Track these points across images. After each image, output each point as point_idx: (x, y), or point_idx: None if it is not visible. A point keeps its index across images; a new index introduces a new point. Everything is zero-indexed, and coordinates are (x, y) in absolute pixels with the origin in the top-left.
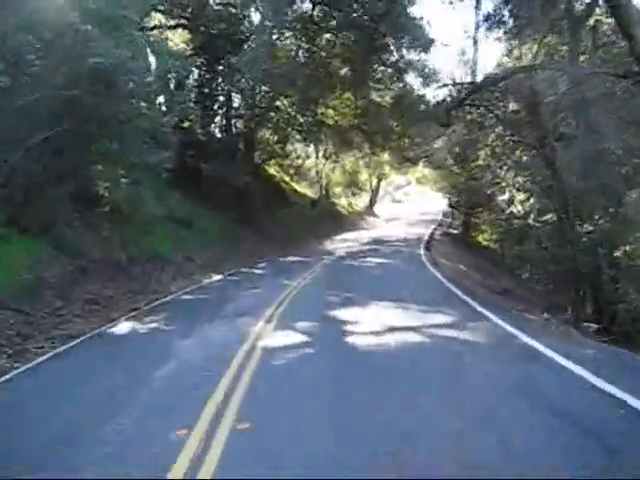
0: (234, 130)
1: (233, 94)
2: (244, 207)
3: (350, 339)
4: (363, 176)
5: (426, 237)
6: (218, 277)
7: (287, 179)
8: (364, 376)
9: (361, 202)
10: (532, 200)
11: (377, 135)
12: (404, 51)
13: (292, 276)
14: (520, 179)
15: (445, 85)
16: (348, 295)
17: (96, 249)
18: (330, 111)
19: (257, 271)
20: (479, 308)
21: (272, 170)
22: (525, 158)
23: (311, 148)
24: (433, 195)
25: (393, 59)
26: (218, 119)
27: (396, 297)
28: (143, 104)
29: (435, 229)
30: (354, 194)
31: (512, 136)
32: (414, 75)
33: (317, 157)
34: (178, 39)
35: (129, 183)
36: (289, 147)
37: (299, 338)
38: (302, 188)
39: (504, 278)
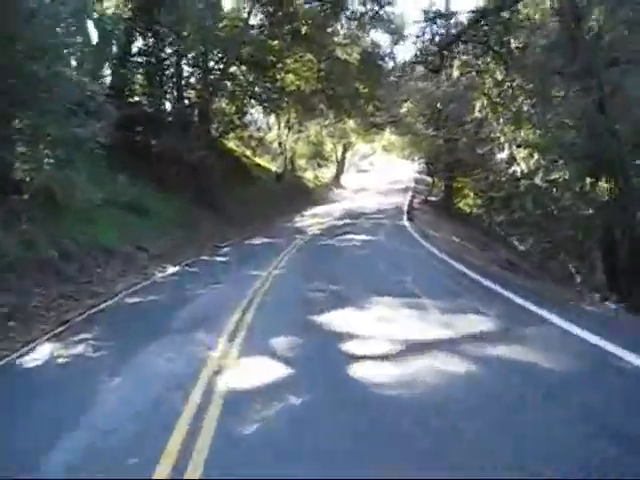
0: (186, 102)
1: (183, 62)
2: (202, 186)
3: (354, 372)
4: (328, 146)
5: (405, 206)
6: (174, 269)
7: (248, 153)
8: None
9: (327, 174)
10: (536, 157)
11: (343, 99)
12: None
13: (261, 263)
14: (523, 133)
15: (433, 18)
16: (335, 288)
17: (15, 247)
18: (290, 76)
19: (220, 259)
20: (517, 299)
21: (231, 144)
22: (527, 108)
23: (272, 118)
24: (400, 163)
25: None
26: (168, 90)
27: (398, 288)
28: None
29: (412, 197)
30: (320, 166)
31: (512, 81)
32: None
33: (279, 128)
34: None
35: (55, 164)
36: (248, 118)
37: (276, 371)
38: (265, 162)
39: (500, 248)
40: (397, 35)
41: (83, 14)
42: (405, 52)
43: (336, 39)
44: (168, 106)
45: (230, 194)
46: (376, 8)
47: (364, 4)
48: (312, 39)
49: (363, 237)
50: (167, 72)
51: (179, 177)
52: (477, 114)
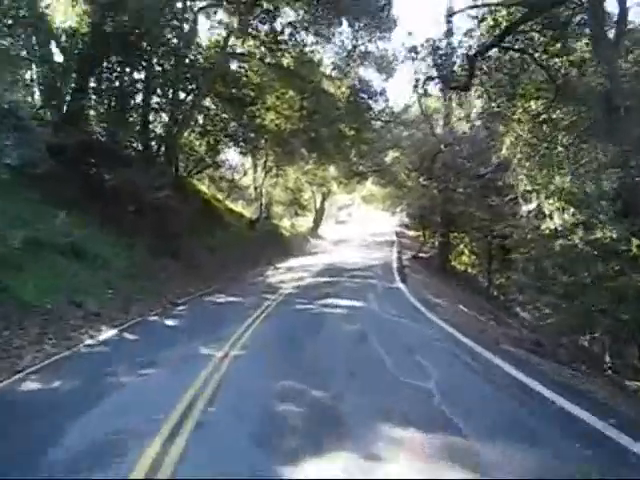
0: (152, 134)
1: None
2: (164, 230)
3: None
4: (307, 194)
5: (393, 263)
6: (110, 333)
7: (220, 196)
8: None
9: (305, 223)
10: (572, 210)
11: (326, 142)
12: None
13: (218, 335)
14: (558, 179)
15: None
16: (318, 396)
17: None
18: (270, 114)
19: (170, 322)
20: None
21: (202, 186)
22: (561, 149)
23: (249, 161)
24: (380, 215)
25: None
26: (133, 120)
27: (421, 407)
28: None
29: (399, 252)
30: (297, 214)
31: (558, 109)
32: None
33: (255, 171)
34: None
35: None
36: (222, 158)
37: None
38: (238, 207)
39: (511, 319)
40: (388, 73)
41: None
42: (397, 91)
43: (322, 69)
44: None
45: (197, 241)
46: (367, 43)
47: (355, 38)
48: (296, 73)
49: (350, 303)
50: (132, 101)
51: (138, 219)
52: (501, 154)
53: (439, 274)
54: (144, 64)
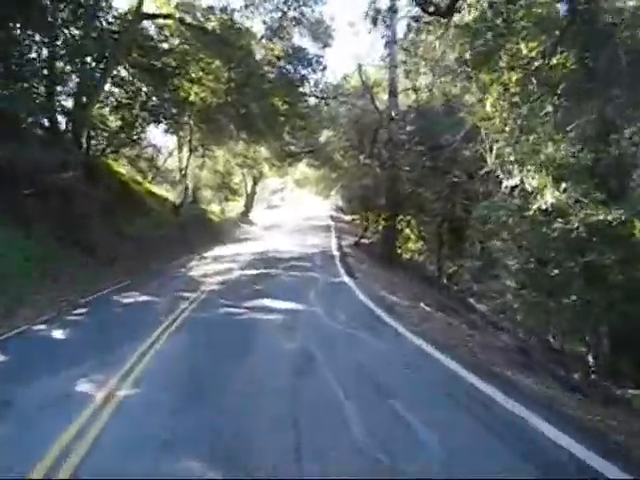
0: (56, 105)
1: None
2: (72, 217)
3: None
4: (237, 178)
5: (333, 251)
6: None
7: (140, 179)
8: None
9: (235, 208)
10: (563, 186)
11: (256, 119)
12: None
13: (109, 356)
14: (553, 147)
15: None
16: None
17: None
18: (194, 88)
19: (56, 334)
20: None
21: (119, 167)
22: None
23: (174, 141)
24: (313, 199)
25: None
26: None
27: None
28: None
29: (338, 238)
30: (227, 199)
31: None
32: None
33: (180, 151)
34: None
35: None
36: (143, 135)
37: None
38: (162, 191)
39: (470, 313)
40: (325, 42)
41: None
42: (334, 64)
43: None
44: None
45: (113, 229)
46: (302, 7)
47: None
48: (223, 39)
49: (288, 305)
50: (33, 65)
51: (39, 204)
52: (471, 119)
53: (385, 263)
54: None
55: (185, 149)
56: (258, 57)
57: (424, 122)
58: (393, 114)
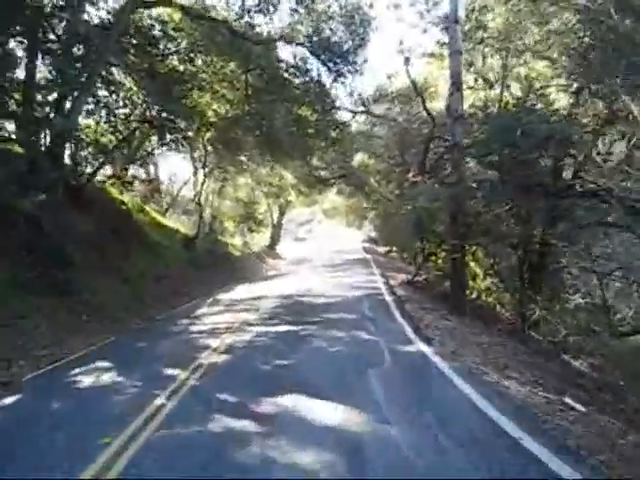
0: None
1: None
2: (45, 253)
3: None
4: (262, 207)
5: (385, 294)
6: None
7: (147, 207)
8: None
9: (260, 241)
10: None
11: (281, 132)
12: None
13: None
14: None
15: None
16: None
17: None
18: (206, 96)
19: None
20: None
21: (120, 194)
22: None
23: (187, 160)
24: (342, 231)
25: None
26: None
27: None
28: None
29: (383, 276)
30: (251, 230)
31: None
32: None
33: (195, 174)
34: None
35: None
36: (143, 154)
37: None
38: (175, 223)
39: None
40: (362, 35)
41: None
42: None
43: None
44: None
45: (102, 268)
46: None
47: None
48: (237, 32)
49: (338, 417)
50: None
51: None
52: None
53: (454, 309)
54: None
55: (200, 173)
56: (281, 56)
57: (502, 122)
58: (459, 110)
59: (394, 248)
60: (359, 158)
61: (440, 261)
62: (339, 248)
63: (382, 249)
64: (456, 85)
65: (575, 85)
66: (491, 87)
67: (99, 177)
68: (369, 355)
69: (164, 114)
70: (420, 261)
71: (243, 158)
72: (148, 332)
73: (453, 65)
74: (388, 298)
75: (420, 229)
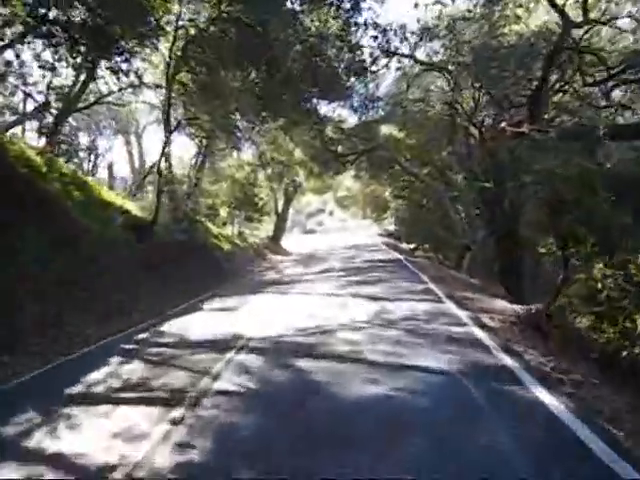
0: None
1: None
2: None
3: None
4: (263, 191)
5: (485, 338)
6: None
7: (90, 180)
8: None
9: (262, 232)
10: None
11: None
12: None
13: None
14: None
15: None
16: None
17: None
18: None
19: None
20: None
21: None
22: None
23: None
24: (356, 224)
25: None
26: None
27: None
28: None
29: (453, 298)
30: (250, 219)
31: None
32: None
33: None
34: None
35: None
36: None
37: None
38: (123, 200)
39: None
40: None
41: None
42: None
43: None
44: None
45: None
46: None
47: None
48: None
49: None
50: None
51: None
52: None
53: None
54: None
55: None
56: None
57: None
58: None
59: (426, 246)
60: (386, 131)
61: (598, 282)
62: (355, 243)
63: (405, 246)
64: None
65: None
66: None
67: None
68: None
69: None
70: (561, 281)
71: (234, 116)
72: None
73: None
74: (504, 363)
75: (557, 216)
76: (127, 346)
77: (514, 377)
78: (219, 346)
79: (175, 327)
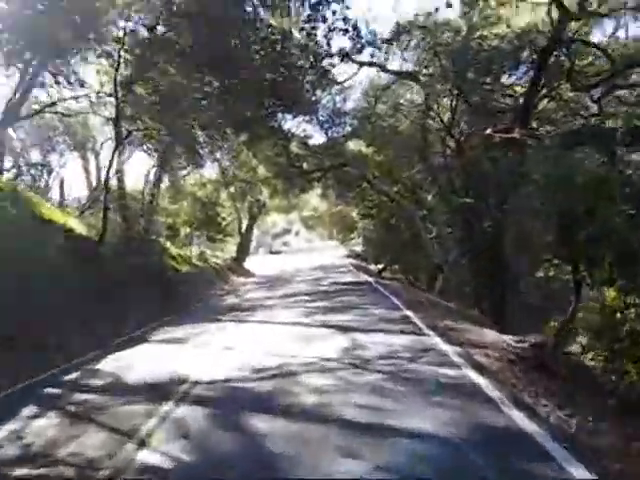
0: None
1: None
2: None
3: None
4: (226, 210)
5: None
6: None
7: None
8: None
9: (225, 253)
10: None
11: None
12: None
13: None
14: None
15: None
16: None
17: None
18: None
19: None
20: None
21: None
22: None
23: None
24: (322, 245)
25: None
26: None
27: None
28: None
29: (437, 329)
30: (212, 240)
31: None
32: None
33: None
34: None
35: None
36: None
37: None
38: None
39: None
40: None
41: None
42: None
43: None
44: None
45: None
46: None
47: None
48: None
49: None
50: None
51: None
52: None
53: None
54: None
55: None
56: None
57: None
58: None
59: (395, 267)
60: (354, 147)
61: (617, 312)
62: (322, 264)
63: (374, 267)
64: None
65: None
66: None
67: None
68: None
69: None
70: (571, 311)
71: (194, 130)
72: None
73: None
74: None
75: (570, 233)
76: (49, 390)
77: (538, 448)
78: (157, 392)
79: (112, 364)
